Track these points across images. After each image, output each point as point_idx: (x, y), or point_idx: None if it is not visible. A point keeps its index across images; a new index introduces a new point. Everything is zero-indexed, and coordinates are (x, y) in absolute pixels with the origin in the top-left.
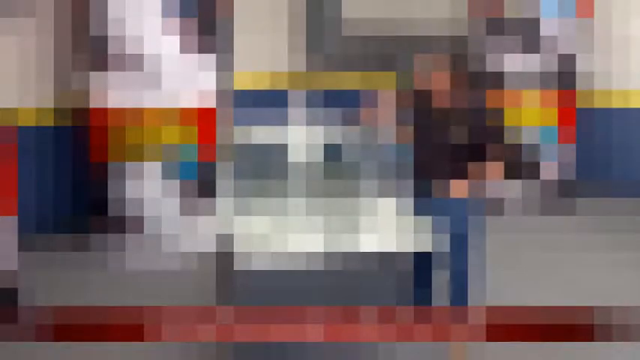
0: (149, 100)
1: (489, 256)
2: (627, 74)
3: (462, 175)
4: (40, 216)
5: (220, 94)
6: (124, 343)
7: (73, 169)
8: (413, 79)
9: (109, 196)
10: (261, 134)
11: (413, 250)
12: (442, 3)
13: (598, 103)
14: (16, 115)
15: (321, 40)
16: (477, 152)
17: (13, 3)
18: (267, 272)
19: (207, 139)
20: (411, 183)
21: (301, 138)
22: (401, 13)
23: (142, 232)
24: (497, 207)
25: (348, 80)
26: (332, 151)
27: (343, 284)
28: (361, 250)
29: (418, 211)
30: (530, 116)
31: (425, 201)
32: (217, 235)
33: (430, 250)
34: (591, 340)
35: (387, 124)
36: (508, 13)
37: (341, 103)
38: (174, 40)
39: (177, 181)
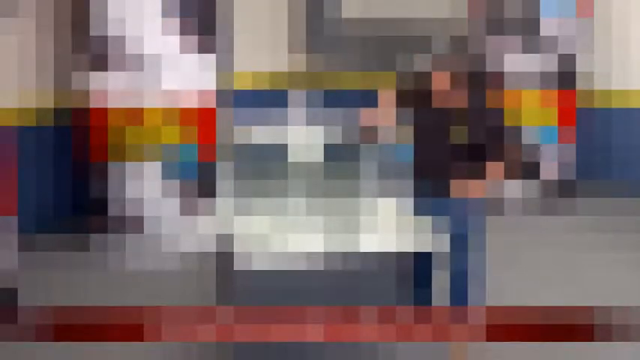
0: (149, 100)
1: (489, 256)
2: (627, 74)
3: (462, 175)
4: (40, 216)
5: (220, 94)
6: (124, 343)
7: (73, 169)
8: (413, 79)
9: (109, 196)
10: (261, 134)
11: (413, 250)
12: (442, 3)
13: (598, 103)
14: (16, 115)
15: (321, 40)
16: (477, 152)
17: (13, 3)
18: (267, 272)
19: (207, 139)
20: (411, 183)
21: (301, 138)
22: (401, 13)
23: (142, 232)
24: (497, 207)
25: (348, 80)
26: (332, 151)
27: (343, 284)
28: (361, 250)
29: (418, 211)
30: (530, 116)
31: (425, 201)
32: (217, 235)
33: (430, 250)
34: (591, 340)
35: (387, 124)
36: (508, 13)
37: (341, 103)
38: (174, 40)
39: (177, 181)
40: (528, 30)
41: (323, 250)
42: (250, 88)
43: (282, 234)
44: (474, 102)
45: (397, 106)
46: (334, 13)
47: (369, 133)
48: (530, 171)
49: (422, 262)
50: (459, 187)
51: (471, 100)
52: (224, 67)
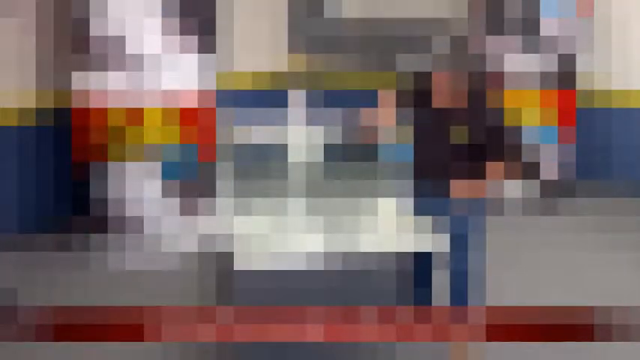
0: (149, 100)
1: (489, 256)
2: (627, 74)
3: (462, 175)
4: (40, 216)
5: (220, 94)
6: (124, 343)
7: (73, 169)
8: (413, 79)
9: (109, 196)
10: (261, 134)
11: (413, 250)
12: (442, 3)
13: (598, 103)
14: (16, 115)
15: (321, 40)
16: (477, 152)
17: (13, 3)
18: (267, 272)
19: (207, 139)
20: (411, 183)
21: (301, 138)
22: (401, 13)
23: (142, 232)
24: (497, 207)
25: (348, 80)
26: (332, 151)
27: (343, 284)
28: (361, 250)
29: (418, 211)
30: (530, 116)
31: (425, 201)
32: (217, 235)
33: (430, 250)
34: (591, 340)
35: (387, 124)
36: (508, 13)
37: (341, 103)
38: (174, 40)
39: (178, 181)
40: (528, 30)
41: (323, 250)
42: (250, 88)
43: (282, 234)
44: (473, 102)
45: (397, 106)
46: (334, 13)
47: (369, 133)
48: (530, 171)
49: (422, 262)
50: (459, 187)
51: (470, 100)
52: (224, 67)
